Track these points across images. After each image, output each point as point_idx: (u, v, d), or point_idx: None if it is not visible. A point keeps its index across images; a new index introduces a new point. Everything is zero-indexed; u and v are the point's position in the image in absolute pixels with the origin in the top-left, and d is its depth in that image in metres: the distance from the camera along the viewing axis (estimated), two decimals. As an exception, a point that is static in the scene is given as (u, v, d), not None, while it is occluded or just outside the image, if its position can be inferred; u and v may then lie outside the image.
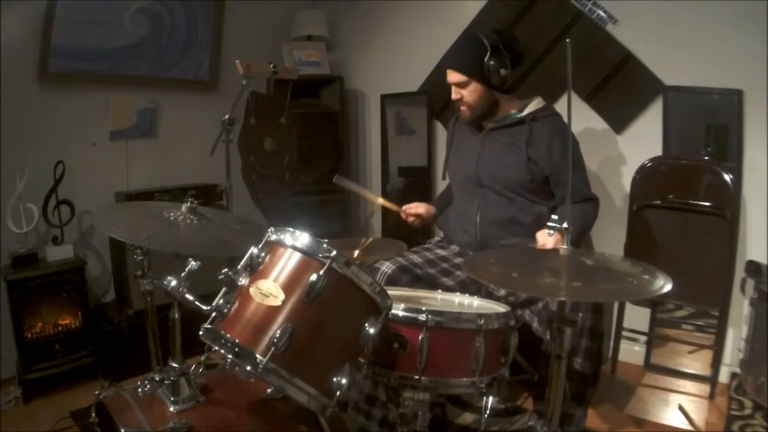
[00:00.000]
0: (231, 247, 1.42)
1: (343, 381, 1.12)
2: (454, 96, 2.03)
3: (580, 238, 2.05)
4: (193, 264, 1.22)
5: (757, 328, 2.06)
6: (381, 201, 2.28)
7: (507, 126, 2.02)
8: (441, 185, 3.21)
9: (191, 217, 1.46)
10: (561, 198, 1.96)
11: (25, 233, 2.44)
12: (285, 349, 1.06)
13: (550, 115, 1.99)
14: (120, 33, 2.78)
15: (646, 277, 1.19)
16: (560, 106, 2.08)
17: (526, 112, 2.00)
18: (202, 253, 1.28)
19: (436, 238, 2.27)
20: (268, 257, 1.17)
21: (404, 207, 2.22)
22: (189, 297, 1.18)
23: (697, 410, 2.19)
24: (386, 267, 1.88)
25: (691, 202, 2.30)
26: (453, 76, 1.99)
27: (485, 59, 1.90)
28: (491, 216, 2.00)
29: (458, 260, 2.04)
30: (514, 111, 2.04)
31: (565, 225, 1.29)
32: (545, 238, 1.68)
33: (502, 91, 2.00)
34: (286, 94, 2.74)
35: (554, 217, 1.35)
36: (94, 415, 1.31)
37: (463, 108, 2.04)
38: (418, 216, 2.20)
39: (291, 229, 1.17)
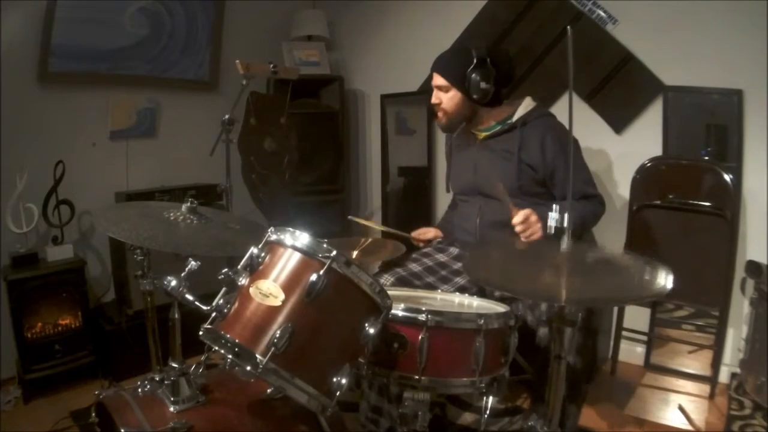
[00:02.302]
0: (231, 247, 1.42)
1: (343, 381, 1.12)
2: (433, 99, 2.04)
3: (578, 235, 2.04)
4: (193, 264, 1.22)
5: (757, 328, 2.06)
6: (392, 231, 2.29)
7: (499, 134, 2.01)
8: (441, 185, 3.21)
9: (191, 217, 1.46)
10: (561, 197, 1.96)
11: (25, 233, 2.44)
12: (285, 349, 1.06)
13: (542, 116, 1.98)
14: (120, 33, 2.77)
15: (647, 278, 1.19)
16: (560, 105, 2.08)
17: (516, 116, 1.99)
18: (202, 253, 1.28)
19: (436, 240, 2.27)
20: (268, 257, 1.17)
21: (413, 234, 2.24)
22: (189, 297, 1.18)
23: (697, 410, 2.19)
24: (384, 279, 1.88)
25: (691, 202, 2.30)
26: (436, 79, 2.02)
27: (468, 70, 1.91)
28: (491, 219, 2.00)
29: (457, 266, 2.04)
30: (502, 117, 2.03)
31: (566, 223, 1.28)
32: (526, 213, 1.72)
33: (482, 104, 1.99)
34: (286, 94, 2.74)
35: (555, 206, 1.34)
36: (94, 415, 1.31)
37: (439, 114, 2.05)
38: (426, 241, 2.23)
39: (291, 229, 1.17)
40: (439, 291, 1.77)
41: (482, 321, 1.27)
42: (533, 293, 1.28)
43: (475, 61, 1.90)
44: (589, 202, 1.96)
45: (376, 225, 2.39)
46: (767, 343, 1.97)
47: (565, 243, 1.27)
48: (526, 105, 2.01)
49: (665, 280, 1.14)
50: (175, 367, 1.23)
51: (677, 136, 2.42)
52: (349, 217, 2.24)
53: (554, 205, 1.36)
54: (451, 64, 1.99)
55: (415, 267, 1.99)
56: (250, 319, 1.10)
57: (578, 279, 1.20)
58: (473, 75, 1.91)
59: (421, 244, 2.24)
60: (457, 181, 2.19)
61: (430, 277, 1.98)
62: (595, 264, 1.26)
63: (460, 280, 1.97)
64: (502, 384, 1.35)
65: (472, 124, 2.06)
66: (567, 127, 1.47)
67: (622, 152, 2.58)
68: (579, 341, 1.68)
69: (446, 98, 2.00)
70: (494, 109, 2.03)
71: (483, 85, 1.91)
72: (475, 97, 1.94)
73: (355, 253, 1.87)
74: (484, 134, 2.06)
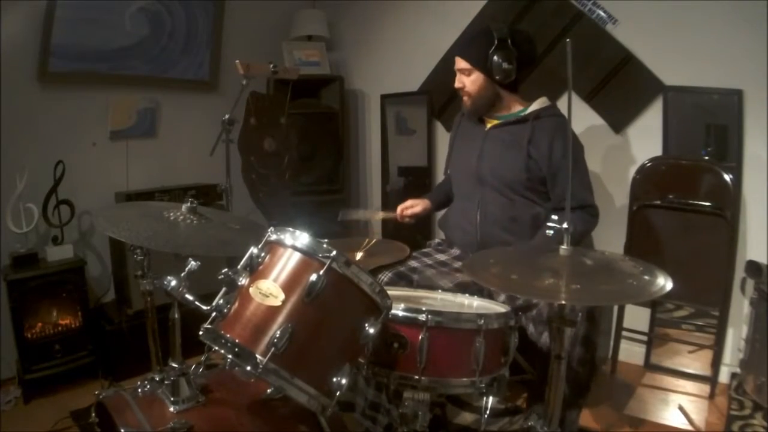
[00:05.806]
0: (231, 247, 1.41)
1: (343, 381, 1.12)
2: (456, 84, 2.05)
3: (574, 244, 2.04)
4: (193, 264, 1.21)
5: (757, 328, 2.06)
6: (381, 216, 2.30)
7: (510, 123, 2.02)
8: (441, 185, 3.21)
9: (191, 217, 1.46)
10: (557, 200, 1.95)
11: (25, 233, 2.44)
12: (285, 349, 1.06)
13: (555, 115, 1.98)
14: (120, 33, 2.78)
15: (647, 277, 1.19)
16: (560, 106, 2.08)
17: (530, 110, 2.01)
18: (202, 253, 1.28)
19: (437, 240, 2.26)
20: (268, 257, 1.17)
21: (399, 207, 2.23)
22: (189, 297, 1.18)
23: (697, 410, 2.19)
24: (382, 275, 1.88)
25: (691, 202, 2.30)
26: (458, 63, 2.03)
27: (490, 51, 1.92)
28: (491, 215, 2.00)
29: (458, 264, 2.03)
30: (518, 108, 2.05)
31: (564, 225, 1.28)
32: None
33: (504, 86, 2.00)
34: (286, 94, 2.74)
35: (554, 217, 1.35)
36: (94, 415, 1.31)
37: (464, 98, 2.06)
38: (414, 215, 2.21)
39: (291, 229, 1.17)
40: (439, 291, 1.77)
41: (482, 321, 1.27)
42: (533, 293, 1.28)
43: (496, 42, 1.91)
44: (584, 212, 1.95)
45: (368, 214, 2.39)
46: (767, 343, 1.97)
47: (564, 247, 1.28)
48: (541, 102, 2.03)
49: (665, 281, 1.14)
50: (175, 367, 1.23)
51: (677, 136, 2.42)
52: (340, 213, 2.24)
53: (553, 216, 1.37)
54: (472, 47, 2.01)
55: (413, 263, 2.00)
56: (250, 319, 1.10)
57: (578, 281, 1.20)
58: (495, 56, 1.91)
59: (407, 219, 2.22)
60: (458, 165, 2.18)
61: (430, 271, 1.98)
62: (595, 267, 1.26)
63: (459, 276, 1.96)
64: (502, 384, 1.35)
65: (494, 109, 2.06)
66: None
67: (622, 152, 2.58)
68: (580, 353, 1.67)
69: (469, 81, 2.01)
70: (516, 95, 2.05)
71: (505, 65, 1.92)
72: (497, 78, 1.95)
73: (358, 255, 1.87)
74: (494, 122, 2.06)
